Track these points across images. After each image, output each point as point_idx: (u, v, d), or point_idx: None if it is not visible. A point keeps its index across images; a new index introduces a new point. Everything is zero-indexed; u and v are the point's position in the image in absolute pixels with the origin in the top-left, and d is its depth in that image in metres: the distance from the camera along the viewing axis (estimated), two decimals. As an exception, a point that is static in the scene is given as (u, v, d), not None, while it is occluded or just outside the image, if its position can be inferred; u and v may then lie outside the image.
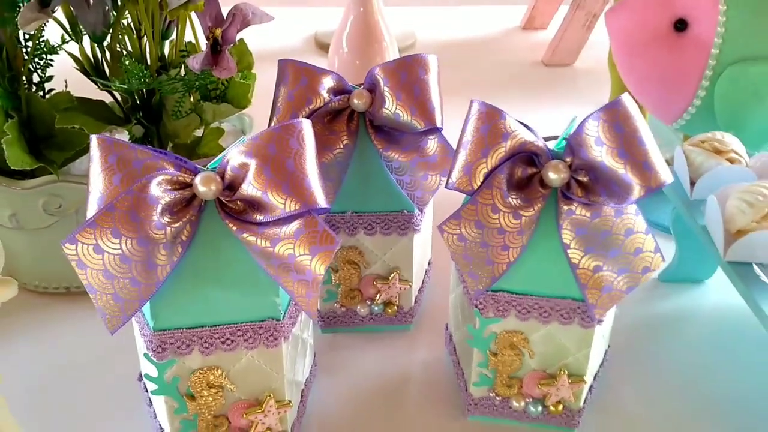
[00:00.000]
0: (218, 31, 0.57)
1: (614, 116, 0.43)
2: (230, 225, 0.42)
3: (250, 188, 0.40)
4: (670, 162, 0.66)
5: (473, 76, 1.16)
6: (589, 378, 0.51)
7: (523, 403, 0.51)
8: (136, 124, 0.63)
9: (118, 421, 0.53)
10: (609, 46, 0.75)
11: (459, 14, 1.43)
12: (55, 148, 0.61)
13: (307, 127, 0.42)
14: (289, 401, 0.48)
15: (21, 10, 0.54)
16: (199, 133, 0.66)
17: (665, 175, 0.42)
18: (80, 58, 0.62)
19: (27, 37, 0.60)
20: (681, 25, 0.67)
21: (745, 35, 0.65)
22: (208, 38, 0.57)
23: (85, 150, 0.60)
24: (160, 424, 0.49)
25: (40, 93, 0.62)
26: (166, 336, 0.44)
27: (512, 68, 1.20)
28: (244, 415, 0.47)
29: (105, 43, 0.61)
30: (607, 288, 0.45)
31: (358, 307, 0.60)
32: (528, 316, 0.48)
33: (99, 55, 0.62)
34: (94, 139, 0.41)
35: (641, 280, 0.46)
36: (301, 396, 0.52)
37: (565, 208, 0.45)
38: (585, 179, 0.44)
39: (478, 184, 0.45)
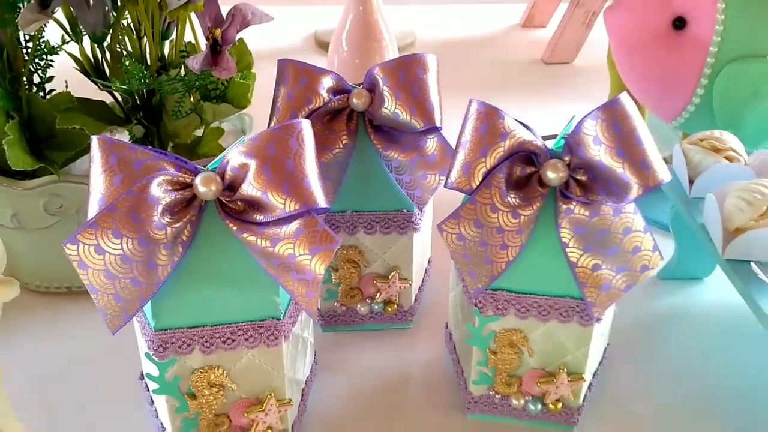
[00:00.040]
0: (218, 32, 0.57)
1: (612, 115, 0.43)
2: (230, 225, 0.42)
3: (250, 188, 0.41)
4: (668, 160, 0.67)
5: (473, 74, 1.17)
6: (588, 376, 0.51)
7: (522, 401, 0.52)
8: (137, 124, 0.64)
9: (120, 420, 0.53)
10: (608, 44, 0.75)
11: (458, 12, 1.44)
12: (55, 149, 0.61)
13: (306, 127, 0.42)
14: (290, 400, 0.48)
15: (21, 11, 0.55)
16: (199, 133, 0.66)
17: (663, 174, 0.42)
18: (80, 58, 0.62)
19: (27, 38, 0.60)
20: (680, 24, 0.67)
21: (744, 33, 0.65)
22: (207, 39, 0.57)
23: (86, 150, 0.60)
24: (161, 423, 0.50)
25: (41, 93, 0.62)
26: (167, 335, 0.44)
27: (512, 66, 1.20)
28: (245, 414, 0.47)
29: (105, 44, 0.61)
30: (606, 286, 0.46)
31: (359, 306, 0.60)
32: (527, 314, 0.48)
33: (99, 55, 0.62)
34: (94, 140, 0.41)
35: (640, 279, 0.46)
36: (302, 395, 0.53)
37: (564, 207, 0.45)
38: (583, 178, 0.44)
39: (477, 183, 0.46)
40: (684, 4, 0.67)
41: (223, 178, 0.42)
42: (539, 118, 0.93)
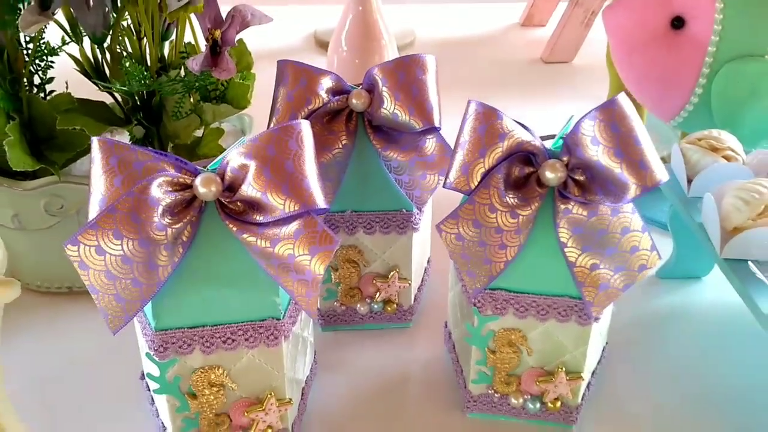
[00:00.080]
0: (217, 33, 0.57)
1: (610, 116, 0.43)
2: (230, 226, 0.42)
3: (249, 189, 0.41)
4: (667, 159, 0.67)
5: (472, 73, 1.17)
6: (586, 375, 0.51)
7: (521, 400, 0.52)
8: (137, 125, 0.64)
9: (121, 419, 0.54)
10: (607, 43, 0.76)
11: (458, 12, 1.44)
12: (56, 149, 0.61)
13: (306, 128, 0.42)
14: (290, 399, 0.49)
15: (22, 13, 0.55)
16: (199, 133, 0.66)
17: (661, 174, 0.43)
18: (81, 59, 0.62)
19: (28, 39, 0.60)
20: (678, 23, 0.67)
21: (742, 33, 0.65)
22: (207, 39, 0.57)
23: (86, 151, 0.60)
24: (162, 423, 0.50)
25: (41, 94, 0.62)
26: (167, 336, 0.44)
27: (511, 65, 1.20)
28: (246, 414, 0.48)
29: (105, 45, 0.61)
30: (604, 286, 0.46)
31: (358, 306, 0.61)
32: (526, 314, 0.49)
33: (99, 56, 0.62)
34: (95, 141, 0.41)
35: (638, 278, 0.46)
36: (302, 394, 0.53)
37: (562, 207, 0.45)
38: (581, 178, 0.44)
39: (476, 183, 0.46)
40: (683, 4, 0.67)
41: (222, 179, 0.42)
42: (538, 117, 0.93)
